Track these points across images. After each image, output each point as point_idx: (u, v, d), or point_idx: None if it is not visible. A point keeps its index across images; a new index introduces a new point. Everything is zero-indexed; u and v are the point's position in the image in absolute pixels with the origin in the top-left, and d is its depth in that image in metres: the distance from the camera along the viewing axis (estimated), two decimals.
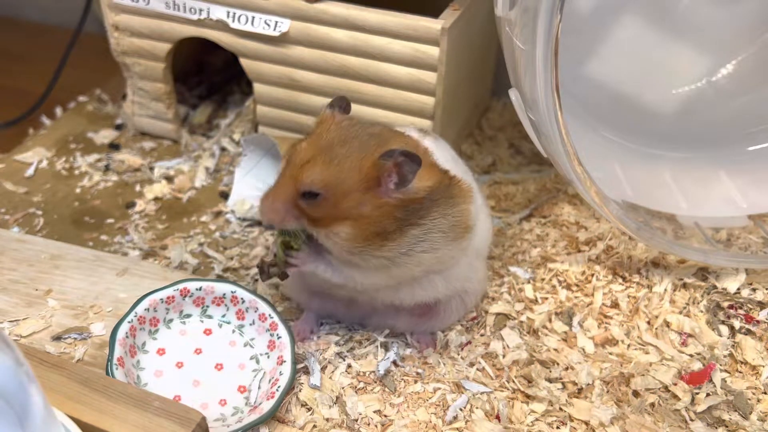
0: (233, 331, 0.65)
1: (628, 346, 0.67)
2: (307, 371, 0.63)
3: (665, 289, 0.72)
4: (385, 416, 0.60)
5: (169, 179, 0.88)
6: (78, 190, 0.85)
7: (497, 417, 0.60)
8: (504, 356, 0.65)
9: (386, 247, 0.57)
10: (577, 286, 0.73)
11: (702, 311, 0.70)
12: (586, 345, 0.67)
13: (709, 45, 0.85)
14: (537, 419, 0.60)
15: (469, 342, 0.67)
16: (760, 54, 0.83)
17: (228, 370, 0.62)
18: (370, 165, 0.55)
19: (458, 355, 0.65)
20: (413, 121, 0.78)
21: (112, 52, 0.88)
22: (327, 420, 0.59)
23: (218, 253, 0.76)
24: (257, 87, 0.84)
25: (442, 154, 0.63)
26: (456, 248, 0.60)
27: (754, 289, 0.71)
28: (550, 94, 0.59)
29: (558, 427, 0.59)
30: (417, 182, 0.56)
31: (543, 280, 0.73)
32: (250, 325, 0.65)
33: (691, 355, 0.66)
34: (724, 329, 0.68)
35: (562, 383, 0.63)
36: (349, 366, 0.64)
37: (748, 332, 0.67)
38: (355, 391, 0.62)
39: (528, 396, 0.62)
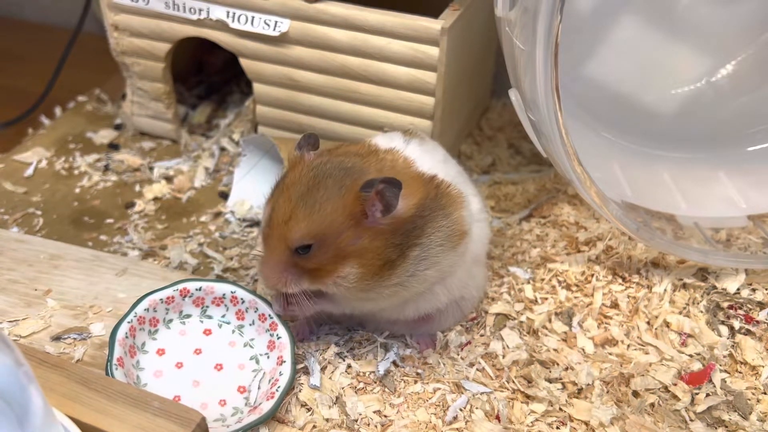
0: (233, 332, 0.65)
1: (628, 346, 0.67)
2: (306, 371, 0.63)
3: (665, 290, 0.72)
4: (385, 416, 0.60)
5: (169, 179, 0.88)
6: (77, 190, 0.85)
7: (497, 417, 0.60)
8: (504, 356, 0.65)
9: (394, 274, 0.57)
10: (577, 286, 0.73)
11: (702, 311, 0.70)
12: (586, 345, 0.67)
13: (709, 45, 0.85)
14: (537, 419, 0.60)
15: (469, 342, 0.67)
16: (760, 54, 0.83)
17: (228, 371, 0.62)
18: (352, 201, 0.55)
19: (458, 355, 0.65)
20: (412, 121, 0.78)
21: (112, 51, 0.88)
22: (327, 420, 0.59)
23: (218, 254, 0.76)
24: (257, 87, 0.84)
25: (431, 156, 0.63)
26: (454, 256, 0.60)
27: (753, 290, 0.72)
28: (550, 95, 0.59)
29: (558, 428, 0.59)
30: (402, 202, 0.55)
31: (543, 280, 0.73)
32: (250, 325, 0.65)
33: (690, 356, 0.66)
34: (724, 329, 0.68)
35: (562, 383, 0.63)
36: (349, 366, 0.64)
37: (748, 332, 0.67)
38: (355, 392, 0.62)
39: (528, 396, 0.62)
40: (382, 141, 0.63)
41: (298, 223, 0.55)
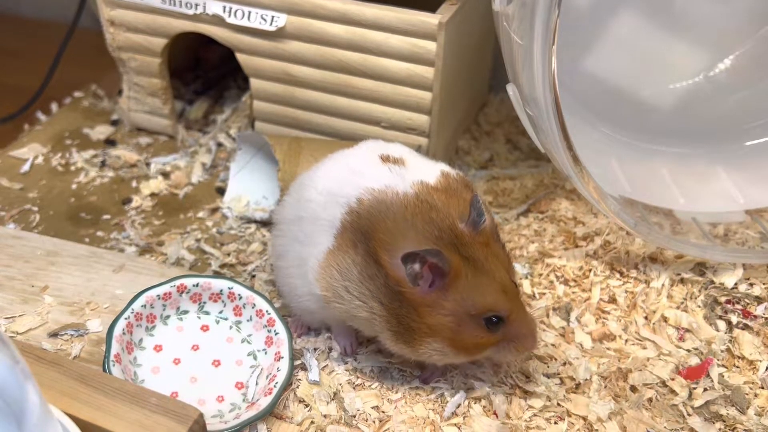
0: (230, 328, 0.65)
1: (626, 341, 0.67)
2: (304, 367, 0.63)
3: (663, 285, 0.72)
4: (383, 412, 0.60)
5: (166, 175, 0.87)
6: (74, 186, 0.85)
7: (495, 413, 0.60)
8: None
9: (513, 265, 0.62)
10: (575, 281, 0.73)
11: (699, 306, 0.70)
12: (584, 340, 0.67)
13: (707, 40, 0.85)
14: (535, 415, 0.60)
15: None
16: (758, 49, 0.83)
17: (225, 367, 0.62)
18: (485, 239, 0.57)
19: None
20: (410, 117, 0.77)
21: (108, 47, 0.88)
22: (325, 416, 0.59)
23: (215, 249, 0.76)
24: (254, 82, 0.84)
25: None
26: None
27: (751, 284, 0.72)
28: (549, 90, 0.59)
29: (556, 423, 0.59)
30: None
31: (540, 275, 0.73)
32: (248, 321, 0.65)
33: (688, 350, 0.66)
34: (722, 324, 0.68)
35: (560, 378, 0.63)
36: (347, 362, 0.64)
37: (746, 327, 0.67)
38: (353, 388, 0.62)
39: (526, 391, 0.62)
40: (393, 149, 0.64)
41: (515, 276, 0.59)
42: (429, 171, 0.61)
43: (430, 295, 0.54)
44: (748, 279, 0.72)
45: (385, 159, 0.62)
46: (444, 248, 0.54)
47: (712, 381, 0.63)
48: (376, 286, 0.55)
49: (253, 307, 0.65)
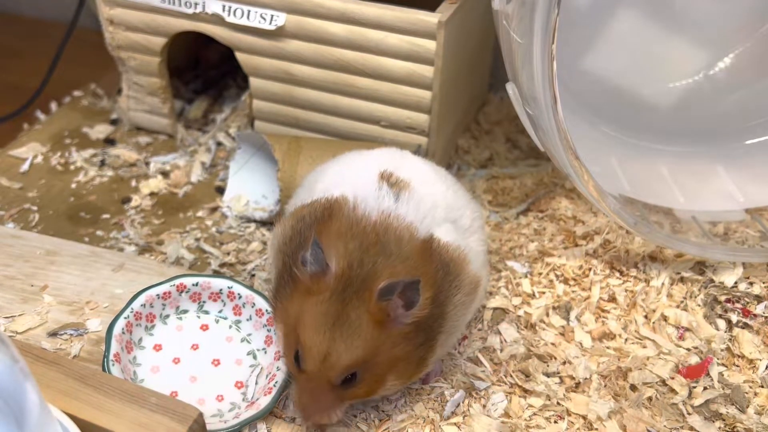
0: (230, 327, 0.65)
1: (626, 340, 0.67)
2: None
3: (662, 283, 0.72)
4: (383, 411, 0.60)
5: (165, 174, 0.87)
6: (73, 186, 0.85)
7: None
8: (501, 351, 0.65)
9: (427, 363, 0.57)
10: (575, 280, 0.73)
11: (699, 305, 0.70)
12: (584, 339, 0.67)
13: (707, 38, 0.85)
14: (535, 414, 0.60)
15: (467, 337, 0.67)
16: (758, 47, 0.83)
17: (225, 366, 0.62)
18: (376, 311, 0.52)
19: (456, 350, 0.65)
20: (410, 116, 0.77)
21: (107, 46, 0.88)
22: None
23: (215, 249, 0.76)
24: (253, 81, 0.84)
25: (426, 198, 0.59)
26: (472, 307, 0.61)
27: (751, 283, 0.72)
28: (548, 88, 0.59)
29: (555, 422, 0.59)
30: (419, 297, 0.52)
31: (540, 274, 0.73)
32: (247, 320, 0.65)
33: (688, 349, 0.66)
34: (722, 323, 0.68)
35: (560, 377, 0.63)
36: None
37: (745, 326, 0.67)
38: None
39: (526, 390, 0.62)
40: (385, 157, 0.63)
41: (340, 358, 0.51)
42: (418, 218, 0.57)
43: (298, 282, 0.55)
44: (748, 278, 0.72)
45: (386, 177, 0.59)
46: (342, 276, 0.52)
47: (711, 380, 0.63)
48: (287, 253, 0.58)
49: (252, 307, 0.65)
